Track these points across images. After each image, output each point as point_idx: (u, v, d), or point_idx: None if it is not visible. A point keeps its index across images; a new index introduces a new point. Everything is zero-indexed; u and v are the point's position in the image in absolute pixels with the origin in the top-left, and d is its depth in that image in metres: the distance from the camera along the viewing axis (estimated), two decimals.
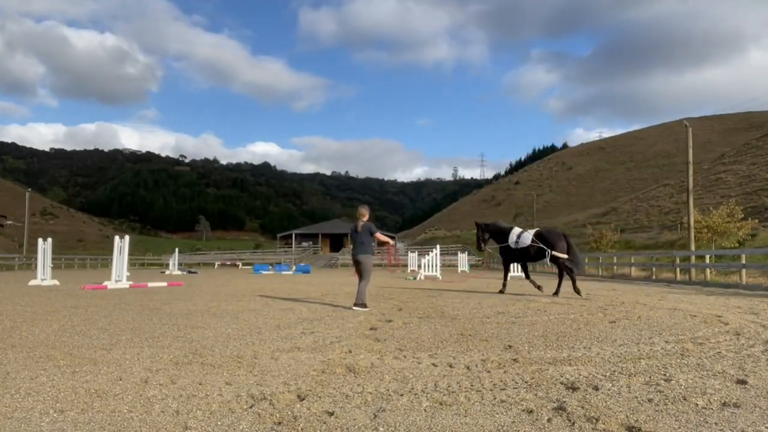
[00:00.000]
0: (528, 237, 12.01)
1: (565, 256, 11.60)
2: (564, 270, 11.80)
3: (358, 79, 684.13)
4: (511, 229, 12.60)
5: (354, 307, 8.57)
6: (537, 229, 12.99)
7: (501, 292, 12.54)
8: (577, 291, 11.33)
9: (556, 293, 11.65)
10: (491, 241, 13.07)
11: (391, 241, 10.10)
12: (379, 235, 8.77)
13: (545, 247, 11.66)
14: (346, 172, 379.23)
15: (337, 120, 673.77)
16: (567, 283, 11.98)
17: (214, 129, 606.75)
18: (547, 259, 11.82)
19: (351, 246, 8.92)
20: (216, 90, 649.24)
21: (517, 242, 12.12)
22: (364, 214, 8.73)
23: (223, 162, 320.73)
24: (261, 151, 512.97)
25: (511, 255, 12.57)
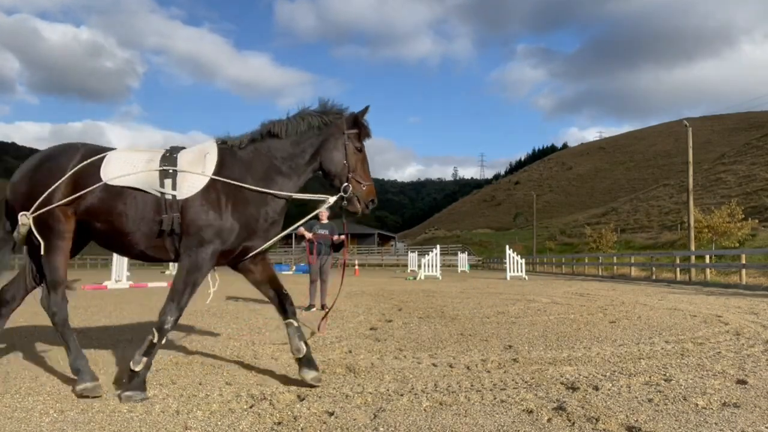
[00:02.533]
0: None
1: None
2: None
3: (345, 76, 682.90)
4: None
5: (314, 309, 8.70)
6: None
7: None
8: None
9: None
10: None
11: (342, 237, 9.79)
12: (301, 231, 8.54)
13: None
14: None
15: None
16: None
17: (201, 127, 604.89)
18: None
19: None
20: (199, 87, 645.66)
21: None
22: (324, 215, 8.84)
23: None
24: None
25: None
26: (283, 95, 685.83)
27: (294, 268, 35.59)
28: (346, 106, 3.75)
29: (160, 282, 17.10)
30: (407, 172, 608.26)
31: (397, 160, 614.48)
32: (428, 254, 24.08)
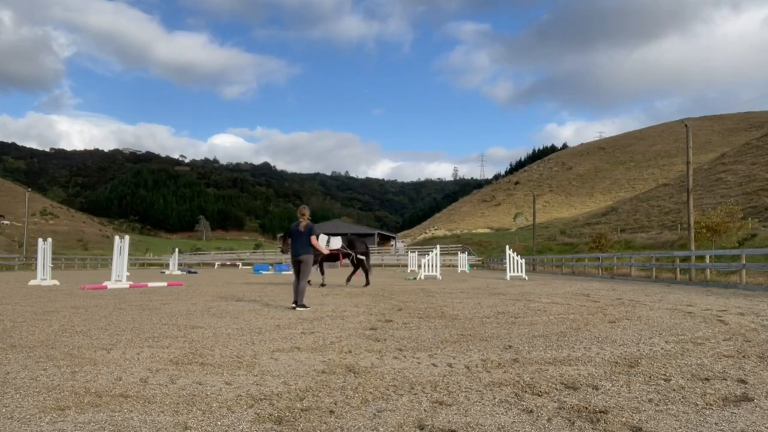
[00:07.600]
0: (337, 242, 15.76)
1: (364, 258, 15.80)
2: (362, 267, 15.95)
3: (291, 58, 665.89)
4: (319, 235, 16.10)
5: (297, 308, 8.61)
6: (347, 235, 17.30)
7: (322, 285, 15.61)
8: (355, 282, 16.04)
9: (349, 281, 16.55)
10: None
11: (323, 249, 10.65)
12: (314, 239, 8.93)
13: (350, 251, 15.71)
14: (346, 172, 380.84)
15: (281, 112, 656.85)
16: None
17: (147, 117, 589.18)
18: (352, 260, 15.88)
19: (290, 246, 9.17)
20: (132, 72, 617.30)
21: (327, 245, 15.28)
22: (305, 214, 8.96)
23: (159, 152, 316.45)
24: (211, 143, 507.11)
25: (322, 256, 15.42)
26: (225, 83, 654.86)
27: None
28: None
29: (160, 282, 17.10)
30: (379, 168, 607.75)
31: (365, 154, 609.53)
32: (428, 254, 24.07)
